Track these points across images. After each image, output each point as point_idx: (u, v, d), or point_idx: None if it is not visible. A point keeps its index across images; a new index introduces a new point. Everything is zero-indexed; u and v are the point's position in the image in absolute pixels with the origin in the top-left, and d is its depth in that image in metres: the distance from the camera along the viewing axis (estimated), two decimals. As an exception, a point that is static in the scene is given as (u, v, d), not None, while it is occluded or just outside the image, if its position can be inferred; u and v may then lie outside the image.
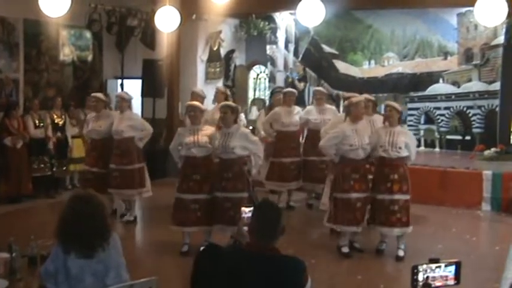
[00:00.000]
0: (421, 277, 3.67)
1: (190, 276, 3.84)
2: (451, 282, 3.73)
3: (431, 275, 3.67)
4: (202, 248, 3.99)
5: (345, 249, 8.67)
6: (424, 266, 3.66)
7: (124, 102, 10.37)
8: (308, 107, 11.92)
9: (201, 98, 11.23)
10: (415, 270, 3.66)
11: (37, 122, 12.18)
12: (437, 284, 3.70)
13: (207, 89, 13.34)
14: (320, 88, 12.25)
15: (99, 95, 11.05)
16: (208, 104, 12.66)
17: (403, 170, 8.41)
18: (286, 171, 11.51)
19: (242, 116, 13.34)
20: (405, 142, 8.35)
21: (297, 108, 11.70)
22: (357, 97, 8.97)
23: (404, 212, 8.38)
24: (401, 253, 8.49)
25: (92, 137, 10.57)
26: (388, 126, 8.47)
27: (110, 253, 4.15)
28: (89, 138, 10.83)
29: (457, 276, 3.73)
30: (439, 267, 3.69)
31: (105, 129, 10.36)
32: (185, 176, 8.58)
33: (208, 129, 8.60)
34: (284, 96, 11.79)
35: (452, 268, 3.71)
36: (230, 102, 9.16)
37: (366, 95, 9.82)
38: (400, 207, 8.35)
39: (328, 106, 11.41)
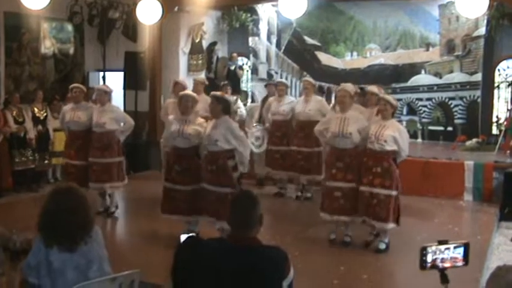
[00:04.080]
0: (429, 258, 3.67)
1: (171, 268, 3.83)
2: (460, 263, 3.74)
3: (440, 256, 3.67)
4: (182, 240, 3.95)
5: (332, 236, 8.73)
6: (433, 248, 3.66)
7: (105, 95, 10.29)
8: (298, 98, 11.96)
9: (184, 88, 11.21)
10: (424, 252, 3.66)
11: (16, 116, 11.99)
12: (446, 265, 3.71)
13: (189, 81, 13.31)
14: (308, 78, 12.16)
15: (81, 85, 10.98)
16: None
17: (387, 164, 8.21)
18: (272, 159, 11.72)
19: (240, 104, 13.33)
20: (393, 136, 8.14)
21: (290, 99, 11.82)
22: (343, 85, 9.06)
23: (384, 207, 8.20)
24: (382, 246, 8.44)
25: (71, 129, 10.41)
26: (380, 119, 8.44)
27: (92, 246, 4.14)
28: (66, 129, 10.68)
29: (466, 257, 3.75)
30: (448, 248, 3.69)
31: (85, 121, 10.17)
32: (168, 165, 8.62)
33: (199, 121, 8.51)
34: (276, 87, 11.92)
35: (461, 250, 3.72)
36: (217, 93, 9.08)
37: (373, 87, 9.84)
38: (379, 201, 8.20)
39: (314, 97, 11.32)
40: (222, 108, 8.07)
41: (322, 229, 9.22)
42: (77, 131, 10.28)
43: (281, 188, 12.03)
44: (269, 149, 11.79)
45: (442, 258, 3.69)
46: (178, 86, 11.19)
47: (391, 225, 8.29)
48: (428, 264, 3.69)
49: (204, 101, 11.56)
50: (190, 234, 3.85)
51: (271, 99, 11.88)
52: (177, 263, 3.80)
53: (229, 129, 8.02)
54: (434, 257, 3.69)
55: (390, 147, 8.19)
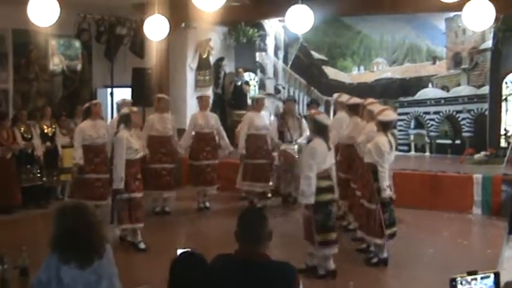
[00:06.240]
0: None
1: (168, 285, 3.70)
2: None
3: (466, 287, 3.62)
4: (177, 255, 3.80)
5: (373, 260, 8.57)
6: (459, 278, 3.61)
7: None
8: None
9: (168, 104, 12.06)
10: (453, 283, 3.61)
11: (24, 133, 11.99)
12: None
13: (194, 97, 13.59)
14: (336, 95, 11.97)
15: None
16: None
17: (368, 176, 8.31)
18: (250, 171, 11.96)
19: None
20: (368, 148, 8.23)
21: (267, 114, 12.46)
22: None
23: (365, 219, 8.40)
24: (373, 260, 8.49)
25: (93, 144, 10.49)
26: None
27: (103, 263, 4.13)
28: (80, 146, 10.66)
29: (497, 286, 3.70)
30: (475, 279, 3.64)
31: (107, 135, 10.53)
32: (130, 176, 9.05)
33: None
34: (256, 102, 12.28)
35: (489, 280, 3.67)
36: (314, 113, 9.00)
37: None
38: (364, 212, 8.43)
39: (338, 113, 11.05)
40: (313, 130, 8.00)
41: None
42: (99, 145, 10.58)
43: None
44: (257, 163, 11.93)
45: None
46: (164, 102, 11.64)
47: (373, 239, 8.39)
48: None
49: (209, 117, 11.91)
50: (185, 250, 3.76)
51: (250, 114, 12.16)
52: (172, 278, 3.68)
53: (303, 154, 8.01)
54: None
55: (367, 159, 8.28)
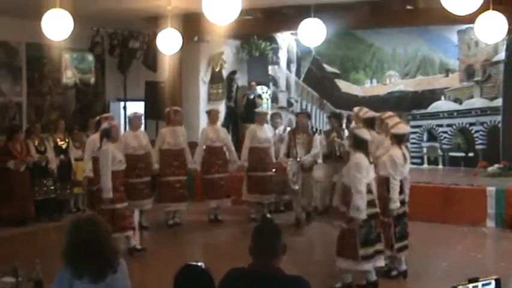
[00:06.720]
0: None
1: None
2: None
3: None
4: (181, 267, 3.79)
5: (393, 272, 8.49)
6: (461, 287, 3.58)
7: (141, 120, 11.37)
8: None
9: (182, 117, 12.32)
10: None
11: (37, 146, 12.04)
12: None
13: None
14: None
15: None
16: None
17: (381, 189, 8.19)
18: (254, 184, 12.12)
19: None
20: (383, 161, 8.23)
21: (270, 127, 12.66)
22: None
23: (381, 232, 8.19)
24: (393, 273, 8.43)
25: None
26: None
27: (116, 277, 4.11)
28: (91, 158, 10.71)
29: None
30: (476, 287, 3.62)
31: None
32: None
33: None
34: (258, 116, 12.47)
35: (490, 287, 3.64)
36: (357, 127, 8.99)
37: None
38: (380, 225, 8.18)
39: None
40: (353, 144, 7.90)
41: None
42: None
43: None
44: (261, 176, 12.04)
45: None
46: (180, 114, 12.06)
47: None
48: None
49: (220, 130, 12.02)
50: (193, 262, 3.75)
51: (253, 126, 12.33)
52: None
53: (349, 168, 7.84)
54: None
55: (382, 172, 8.23)
